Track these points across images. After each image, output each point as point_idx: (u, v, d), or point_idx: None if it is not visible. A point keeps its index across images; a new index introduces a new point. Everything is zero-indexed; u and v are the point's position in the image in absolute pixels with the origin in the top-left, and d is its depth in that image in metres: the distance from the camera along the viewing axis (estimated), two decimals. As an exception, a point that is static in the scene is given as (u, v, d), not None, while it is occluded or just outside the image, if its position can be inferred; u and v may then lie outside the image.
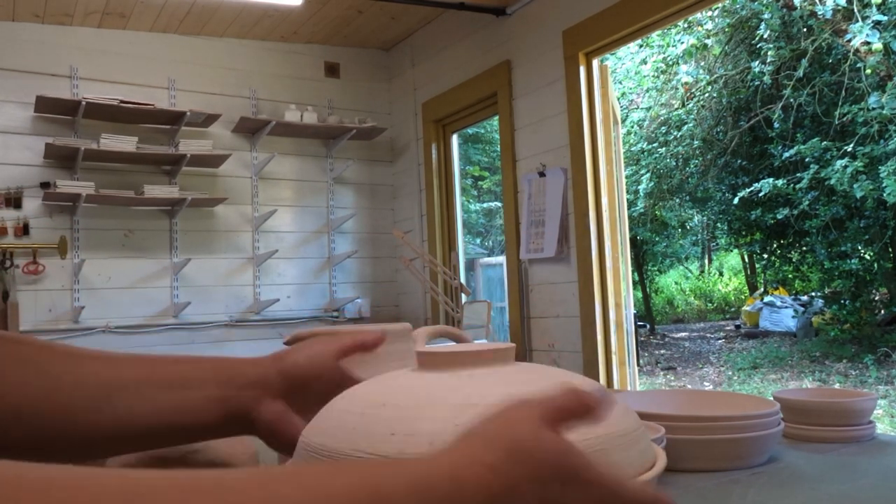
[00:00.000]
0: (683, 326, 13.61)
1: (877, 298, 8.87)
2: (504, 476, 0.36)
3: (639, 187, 9.29)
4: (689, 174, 9.60)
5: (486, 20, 3.83)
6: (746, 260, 14.64)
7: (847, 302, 8.51)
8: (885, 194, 6.59)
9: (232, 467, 0.64)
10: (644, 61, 8.37)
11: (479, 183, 10.68)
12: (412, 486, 0.34)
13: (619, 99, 7.16)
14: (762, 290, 12.78)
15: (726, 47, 8.05)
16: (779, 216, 8.37)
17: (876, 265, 8.22)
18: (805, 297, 10.70)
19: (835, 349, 8.67)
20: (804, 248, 9.65)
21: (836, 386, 7.20)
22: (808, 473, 0.93)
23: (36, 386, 0.57)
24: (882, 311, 8.86)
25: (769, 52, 7.15)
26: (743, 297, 14.53)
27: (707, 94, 8.62)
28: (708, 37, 7.42)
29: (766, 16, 6.91)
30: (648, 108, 8.94)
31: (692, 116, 8.84)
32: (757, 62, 7.47)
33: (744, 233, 10.90)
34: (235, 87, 4.29)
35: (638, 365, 4.05)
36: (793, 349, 9.24)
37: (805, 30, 7.05)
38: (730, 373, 8.52)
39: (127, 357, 0.64)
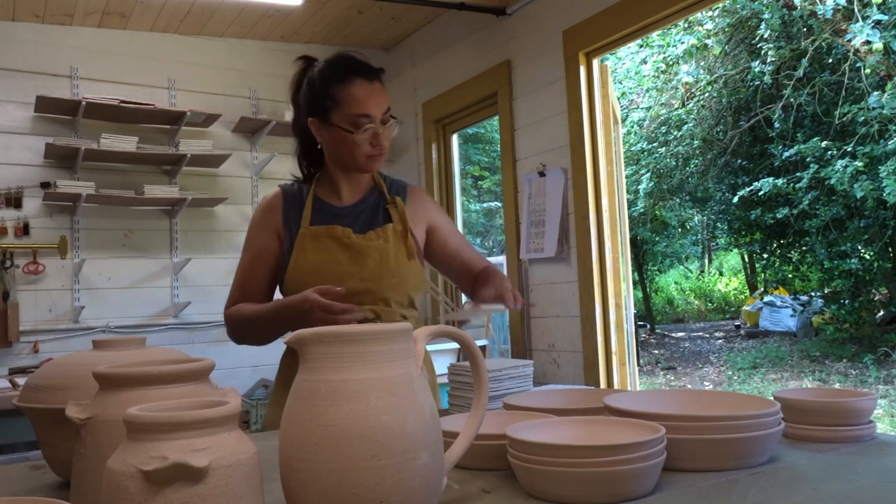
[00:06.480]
0: (683, 326, 13.61)
1: (876, 298, 8.87)
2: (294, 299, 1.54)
3: (639, 187, 9.29)
4: (689, 174, 9.60)
5: (486, 20, 3.83)
6: (746, 260, 14.63)
7: (847, 302, 8.51)
8: (885, 194, 6.60)
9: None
10: (644, 61, 8.37)
11: (479, 183, 10.66)
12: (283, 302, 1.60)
13: (619, 99, 7.14)
14: (762, 289, 12.78)
15: (726, 47, 8.04)
16: (779, 216, 8.36)
17: (876, 265, 8.22)
18: (805, 297, 10.70)
19: (835, 349, 8.67)
20: (804, 248, 9.65)
21: (836, 386, 7.20)
22: (808, 473, 0.93)
23: None
24: (882, 311, 8.86)
25: (769, 52, 7.15)
26: (743, 296, 14.53)
27: (707, 94, 8.62)
28: (708, 37, 7.41)
29: (766, 16, 6.91)
30: (648, 108, 8.94)
31: (692, 116, 8.83)
32: (757, 62, 7.46)
33: (744, 232, 10.91)
34: (235, 87, 4.29)
35: (638, 365, 4.05)
36: (793, 349, 9.24)
37: (805, 29, 7.04)
38: (730, 373, 8.52)
39: None
